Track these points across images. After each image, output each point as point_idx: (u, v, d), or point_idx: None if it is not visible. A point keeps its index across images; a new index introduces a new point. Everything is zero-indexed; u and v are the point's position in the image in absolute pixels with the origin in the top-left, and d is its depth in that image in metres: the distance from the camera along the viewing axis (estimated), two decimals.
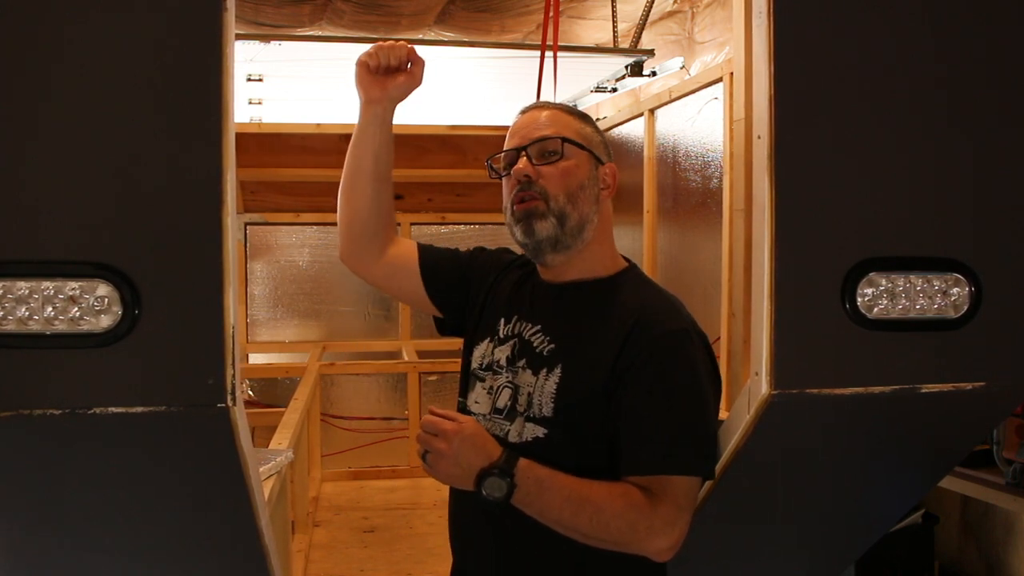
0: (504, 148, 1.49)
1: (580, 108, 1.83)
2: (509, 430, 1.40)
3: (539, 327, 1.45)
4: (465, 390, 1.52)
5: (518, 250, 1.52)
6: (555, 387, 1.37)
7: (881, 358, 1.31)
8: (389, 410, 4.79)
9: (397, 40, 1.50)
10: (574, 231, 1.42)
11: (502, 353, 1.47)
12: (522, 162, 1.43)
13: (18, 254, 1.11)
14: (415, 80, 1.49)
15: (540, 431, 1.37)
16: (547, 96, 2.39)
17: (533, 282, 1.52)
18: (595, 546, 1.31)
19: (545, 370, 1.39)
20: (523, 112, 1.52)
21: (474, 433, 1.32)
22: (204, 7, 1.12)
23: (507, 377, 1.44)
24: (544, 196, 1.41)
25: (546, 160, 1.42)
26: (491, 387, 1.46)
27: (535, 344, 1.43)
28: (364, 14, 4.17)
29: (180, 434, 1.20)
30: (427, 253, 1.59)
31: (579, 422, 1.36)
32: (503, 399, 1.43)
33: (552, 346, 1.41)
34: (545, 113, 1.48)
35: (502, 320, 1.50)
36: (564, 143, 1.43)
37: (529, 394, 1.39)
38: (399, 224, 4.72)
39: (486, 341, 1.51)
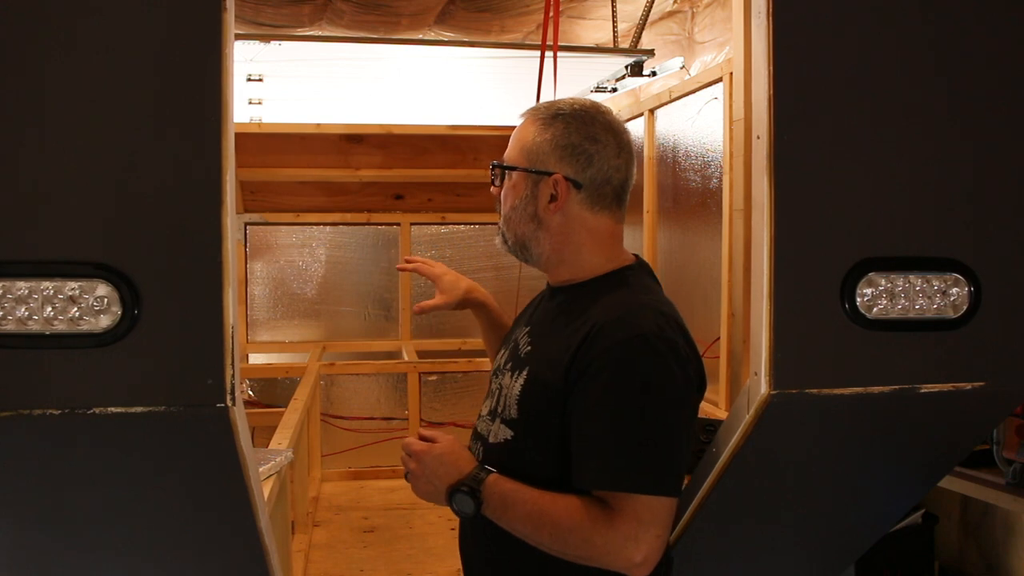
0: None
1: None
2: (491, 430, 1.42)
3: (528, 329, 1.47)
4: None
5: None
6: (519, 389, 1.37)
7: (881, 358, 1.31)
8: (389, 410, 4.78)
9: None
10: (517, 250, 1.46)
11: (503, 357, 1.50)
12: (493, 186, 1.49)
13: (17, 254, 1.11)
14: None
15: (508, 433, 1.38)
16: (547, 96, 2.38)
17: (546, 290, 1.54)
18: (571, 560, 1.28)
19: (518, 372, 1.40)
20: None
21: (443, 452, 1.35)
22: (204, 7, 1.12)
23: (499, 379, 1.46)
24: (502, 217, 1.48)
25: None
26: (491, 389, 1.50)
27: (520, 346, 1.45)
28: (364, 14, 4.17)
29: (180, 434, 1.20)
30: None
31: (540, 424, 1.34)
32: (496, 401, 1.45)
33: (529, 348, 1.42)
34: (516, 129, 1.47)
35: (519, 329, 1.53)
36: (500, 171, 1.45)
37: (505, 396, 1.41)
38: (399, 224, 4.74)
39: (502, 349, 1.55)
